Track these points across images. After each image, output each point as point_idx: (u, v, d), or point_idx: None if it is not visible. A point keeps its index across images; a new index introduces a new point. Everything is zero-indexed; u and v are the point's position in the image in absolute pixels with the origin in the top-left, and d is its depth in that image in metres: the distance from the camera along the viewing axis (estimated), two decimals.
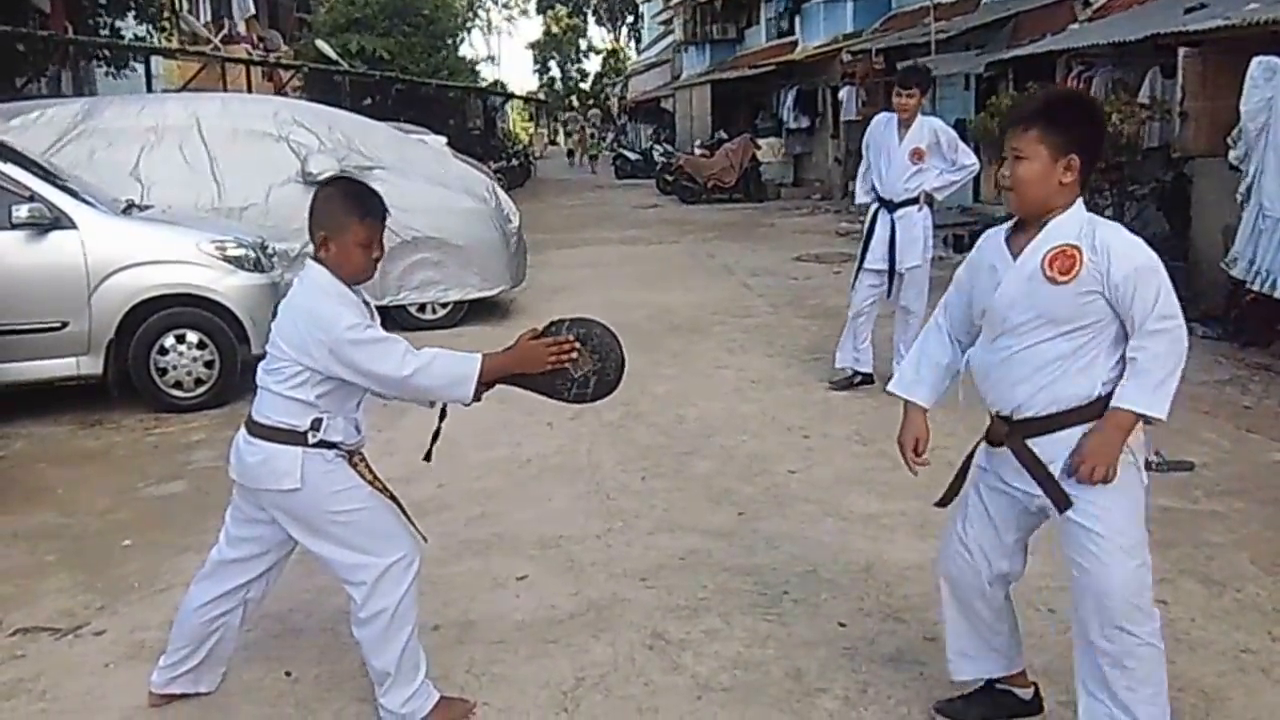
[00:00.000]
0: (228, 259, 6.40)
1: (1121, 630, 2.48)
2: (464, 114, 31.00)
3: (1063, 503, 2.49)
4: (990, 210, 14.36)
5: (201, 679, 3.06)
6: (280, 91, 19.03)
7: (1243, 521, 4.23)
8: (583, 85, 72.62)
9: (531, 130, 63.39)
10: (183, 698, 3.05)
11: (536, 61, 74.13)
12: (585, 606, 3.65)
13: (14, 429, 6.02)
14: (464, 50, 35.31)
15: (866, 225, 6.44)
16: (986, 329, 2.60)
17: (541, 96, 68.97)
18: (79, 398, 6.33)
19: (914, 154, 6.19)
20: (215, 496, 4.33)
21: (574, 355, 2.76)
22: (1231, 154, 7.20)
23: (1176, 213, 8.85)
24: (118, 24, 14.56)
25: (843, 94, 20.22)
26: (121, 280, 6.14)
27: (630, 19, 61.55)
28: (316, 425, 2.71)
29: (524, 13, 70.15)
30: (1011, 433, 2.55)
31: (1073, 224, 2.47)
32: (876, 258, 6.33)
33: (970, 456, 2.74)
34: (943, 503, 2.81)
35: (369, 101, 22.55)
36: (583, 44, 73.22)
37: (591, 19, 68.46)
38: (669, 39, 42.48)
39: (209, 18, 21.27)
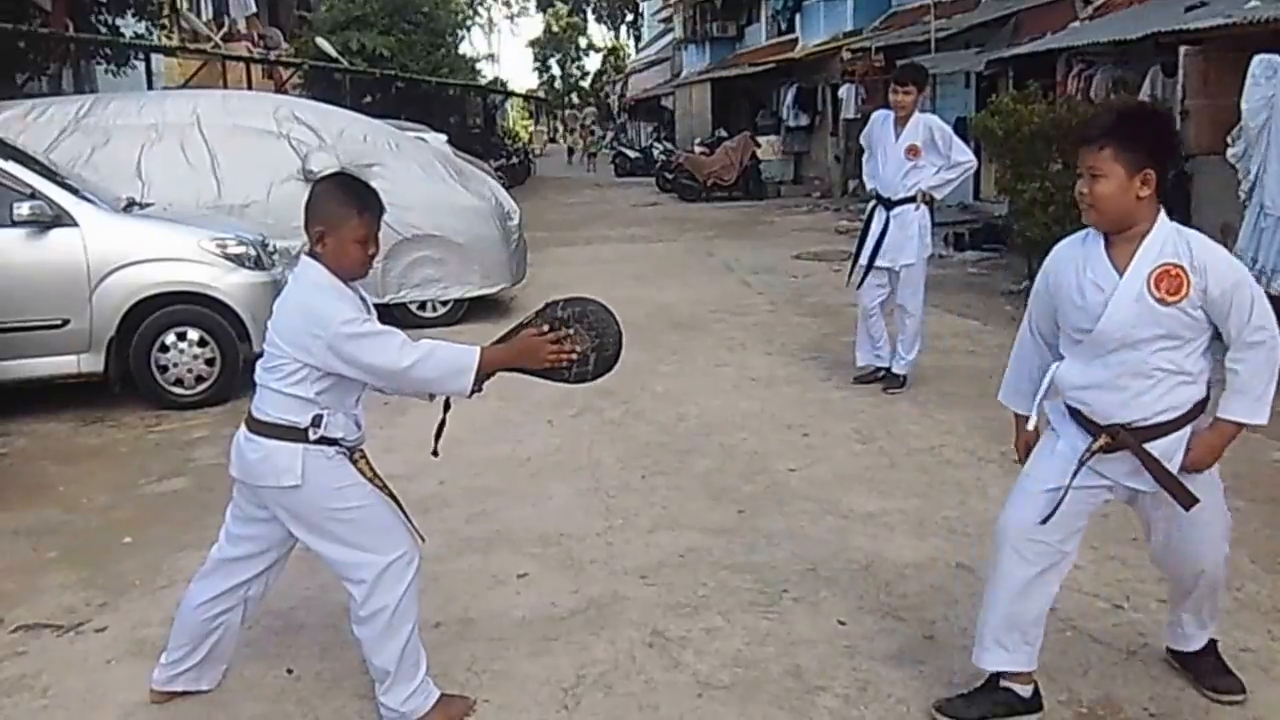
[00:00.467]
0: (228, 257, 6.41)
1: (1214, 584, 2.89)
2: (464, 112, 31.01)
3: (1189, 502, 2.65)
4: (990, 209, 14.38)
5: (203, 677, 3.06)
6: (281, 89, 19.01)
7: (1242, 520, 4.21)
8: (583, 83, 72.62)
9: (531, 128, 63.37)
10: (184, 695, 3.06)
11: (537, 59, 74.19)
12: (586, 604, 3.65)
13: (15, 426, 6.03)
14: (464, 48, 35.24)
15: (864, 224, 6.44)
16: (1091, 345, 2.65)
17: (541, 94, 68.97)
18: (80, 395, 6.34)
19: (910, 150, 6.20)
20: (216, 494, 4.34)
21: (573, 354, 2.76)
22: (1230, 152, 7.20)
23: (1176, 210, 8.75)
24: (118, 22, 14.55)
25: (843, 92, 20.23)
26: (122, 278, 6.14)
27: (630, 17, 61.50)
28: (317, 422, 2.72)
29: (524, 11, 70.12)
30: (1131, 440, 2.64)
31: (1167, 240, 2.57)
32: (866, 254, 6.33)
33: (1079, 468, 2.70)
34: (1046, 520, 2.76)
35: (369, 99, 22.52)
36: (583, 42, 73.25)
37: (591, 17, 68.45)
38: (669, 37, 42.46)
39: (210, 15, 21.24)
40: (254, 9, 22.21)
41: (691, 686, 3.11)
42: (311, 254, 2.74)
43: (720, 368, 7.11)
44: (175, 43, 17.43)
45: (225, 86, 16.18)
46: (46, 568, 4.10)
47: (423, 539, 2.94)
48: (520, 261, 9.47)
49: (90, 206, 6.23)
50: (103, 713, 3.05)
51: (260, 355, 2.80)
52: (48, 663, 3.34)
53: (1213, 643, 3.02)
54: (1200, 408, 2.66)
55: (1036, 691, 2.88)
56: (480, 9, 55.23)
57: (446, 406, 2.91)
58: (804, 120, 24.02)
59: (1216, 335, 2.63)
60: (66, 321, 6.07)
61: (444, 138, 13.78)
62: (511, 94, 48.75)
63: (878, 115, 6.53)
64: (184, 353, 6.32)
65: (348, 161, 7.94)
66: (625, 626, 3.48)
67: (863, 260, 6.37)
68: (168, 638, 3.08)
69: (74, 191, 6.29)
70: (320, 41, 22.94)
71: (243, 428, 2.81)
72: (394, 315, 8.37)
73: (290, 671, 3.23)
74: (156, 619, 3.54)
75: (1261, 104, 6.81)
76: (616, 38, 67.91)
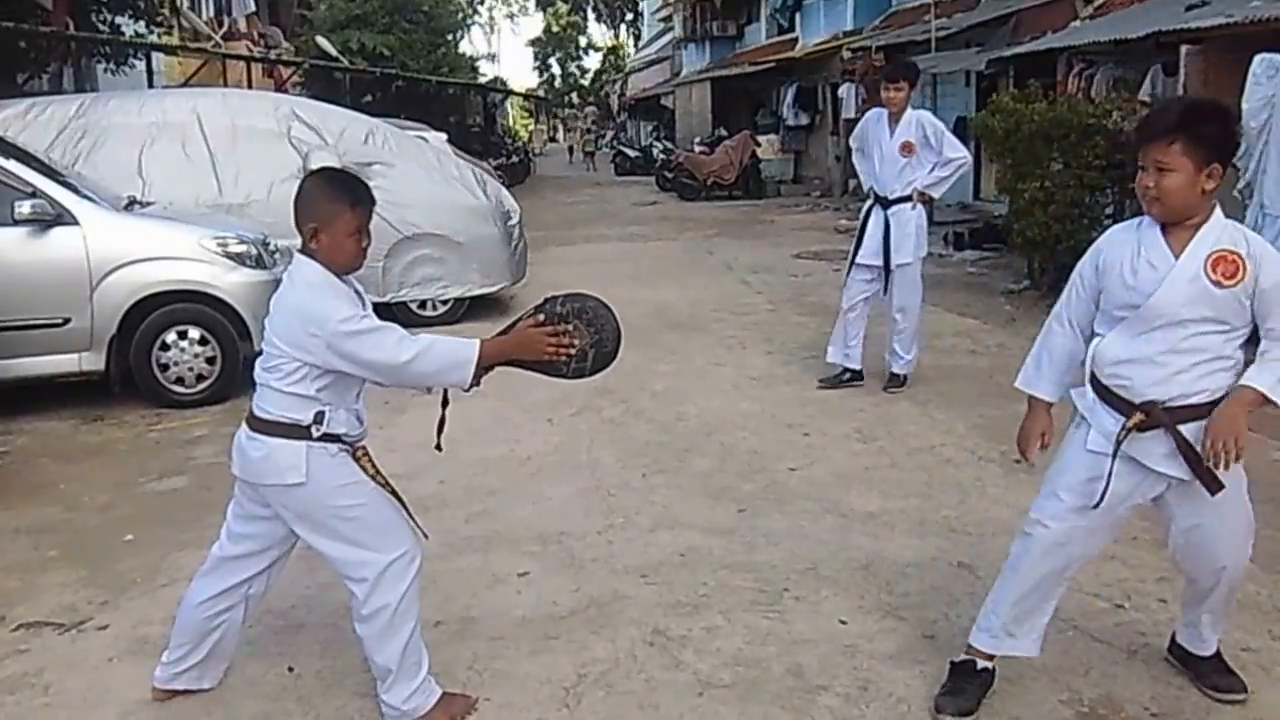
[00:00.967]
0: (229, 255, 6.41)
1: (1233, 584, 2.92)
2: (464, 111, 31.03)
3: (1215, 486, 2.66)
4: (990, 208, 14.38)
5: (204, 675, 3.06)
6: (281, 88, 19.01)
7: None
8: (583, 82, 72.60)
9: (531, 127, 63.37)
10: (185, 693, 3.06)
11: (537, 58, 74.16)
12: (586, 603, 3.65)
13: (16, 424, 6.03)
14: (464, 47, 35.33)
15: (860, 221, 6.44)
16: (1135, 322, 2.67)
17: (541, 94, 68.96)
18: (81, 394, 6.34)
19: (904, 148, 6.20)
20: (217, 492, 4.34)
21: (572, 348, 2.76)
22: None
23: None
24: (118, 21, 14.55)
25: (842, 91, 20.22)
26: (123, 276, 6.15)
27: (630, 16, 61.48)
28: (319, 418, 2.71)
29: (524, 10, 70.10)
30: (1166, 419, 2.67)
31: (1224, 230, 2.63)
32: (869, 253, 6.31)
33: (1118, 447, 2.71)
34: (1098, 505, 2.77)
35: (369, 98, 22.55)
36: (583, 41, 73.25)
37: (591, 16, 68.42)
38: (669, 36, 42.45)
39: (212, 14, 21.24)
40: (253, 8, 22.22)
41: (692, 685, 3.11)
42: (305, 251, 2.74)
43: (719, 367, 7.11)
44: (175, 41, 17.43)
45: (225, 85, 16.19)
46: (47, 566, 4.10)
47: (426, 536, 2.94)
48: (520, 261, 9.47)
49: (91, 205, 6.23)
50: (104, 711, 3.05)
51: (260, 354, 2.80)
52: (49, 661, 3.34)
53: None
54: None
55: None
56: (480, 8, 55.31)
57: (445, 403, 2.92)
58: (804, 119, 24.03)
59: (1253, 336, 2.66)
60: (67, 320, 6.07)
61: (444, 137, 13.80)
62: (511, 93, 48.77)
63: (871, 114, 6.55)
64: (185, 351, 6.32)
65: (348, 160, 7.95)
66: (626, 625, 3.48)
67: (862, 259, 6.35)
68: (169, 636, 3.08)
69: (75, 190, 6.29)
70: (320, 40, 22.96)
71: (244, 426, 2.81)
72: (394, 314, 8.35)
73: (291, 670, 3.24)
74: (157, 617, 3.55)
75: (1262, 103, 6.82)
76: (616, 37, 67.92)
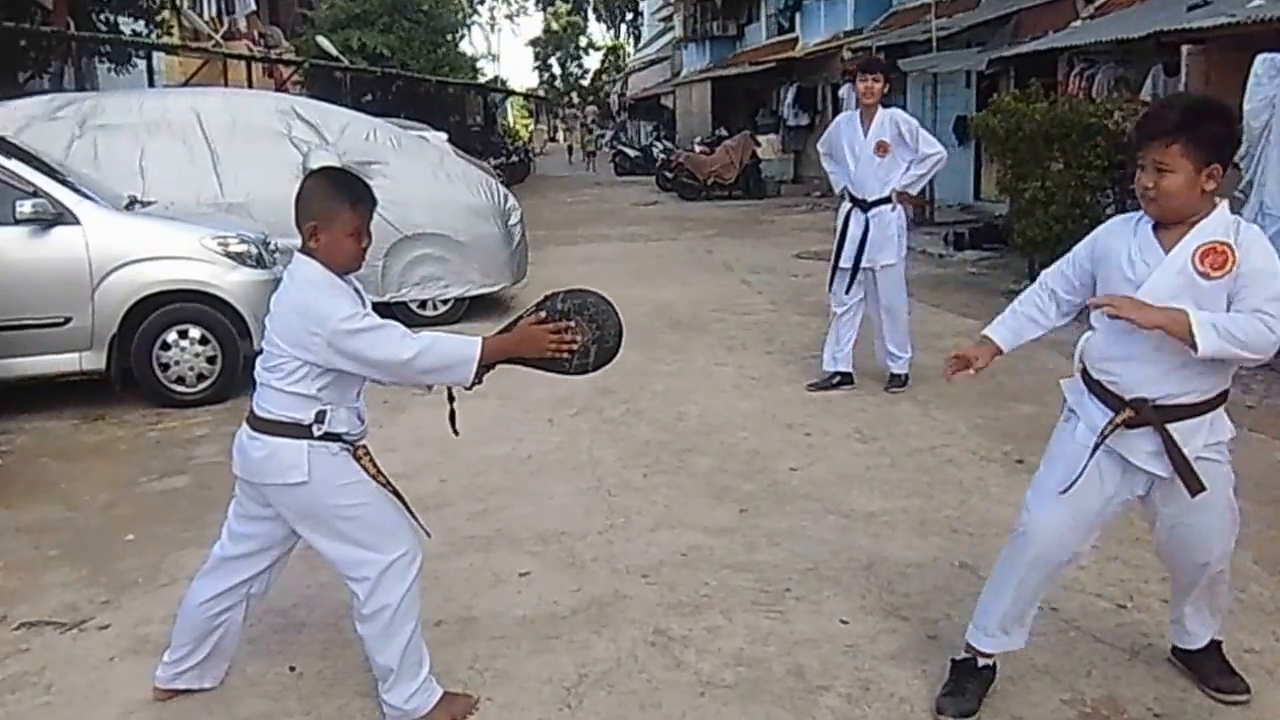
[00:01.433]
0: (230, 255, 6.41)
1: (1215, 579, 2.92)
2: (464, 110, 31.05)
3: (1196, 487, 2.64)
4: (990, 208, 14.38)
5: (205, 675, 3.06)
6: (281, 88, 19.01)
7: (1245, 522, 4.14)
8: (583, 82, 72.60)
9: (531, 127, 63.36)
10: (186, 692, 3.05)
11: (537, 58, 74.17)
12: (587, 603, 3.65)
13: (17, 424, 6.03)
14: (464, 47, 35.32)
15: (840, 225, 6.38)
16: None
17: (542, 93, 68.95)
18: (82, 393, 6.34)
19: (879, 147, 6.17)
20: (217, 492, 4.34)
21: (573, 345, 2.76)
22: None
23: None
24: (118, 20, 14.55)
25: (843, 91, 20.13)
26: (124, 276, 6.14)
27: (630, 16, 61.48)
28: (320, 417, 2.71)
29: (524, 10, 70.11)
30: (1155, 416, 2.65)
31: (1221, 223, 2.58)
32: (846, 257, 6.30)
33: (1101, 439, 2.70)
34: (1067, 491, 2.76)
35: (369, 98, 22.57)
36: (583, 41, 73.24)
37: (592, 16, 68.43)
38: (669, 36, 42.46)
39: (214, 13, 21.24)
40: (254, 7, 22.23)
41: (694, 685, 3.10)
42: (305, 250, 2.74)
43: (720, 367, 7.11)
44: (176, 41, 17.44)
45: (226, 85, 16.19)
46: (48, 565, 4.10)
47: (428, 535, 2.93)
48: (521, 260, 9.47)
49: (92, 205, 6.23)
50: (105, 710, 3.04)
51: (260, 353, 2.80)
52: (50, 660, 3.34)
53: (1216, 643, 3.03)
54: (1223, 398, 2.69)
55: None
56: (480, 8, 55.24)
57: (451, 398, 2.91)
58: (804, 119, 24.02)
59: None
60: (68, 319, 6.07)
61: (444, 136, 13.81)
62: (512, 93, 48.81)
63: (841, 117, 6.54)
64: (185, 351, 6.32)
65: (349, 160, 7.94)
66: (627, 625, 3.47)
67: (844, 263, 6.32)
68: (170, 635, 3.08)
69: (76, 189, 6.29)
70: (321, 40, 22.96)
71: (245, 426, 2.81)
72: (394, 313, 8.31)
73: (293, 669, 3.23)
74: (158, 616, 3.54)
75: (1264, 104, 6.82)
76: (616, 36, 67.90)
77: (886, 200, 6.23)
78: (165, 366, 6.31)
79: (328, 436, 2.73)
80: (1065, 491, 2.73)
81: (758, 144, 22.48)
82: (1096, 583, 3.67)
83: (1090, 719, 2.90)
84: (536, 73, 75.14)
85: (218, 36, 20.01)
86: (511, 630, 3.45)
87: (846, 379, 6.43)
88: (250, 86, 16.92)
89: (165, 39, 16.47)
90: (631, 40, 62.61)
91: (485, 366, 2.70)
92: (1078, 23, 12.58)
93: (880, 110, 6.22)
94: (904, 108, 17.88)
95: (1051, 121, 8.77)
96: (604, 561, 4.00)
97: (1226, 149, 2.61)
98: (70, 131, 7.86)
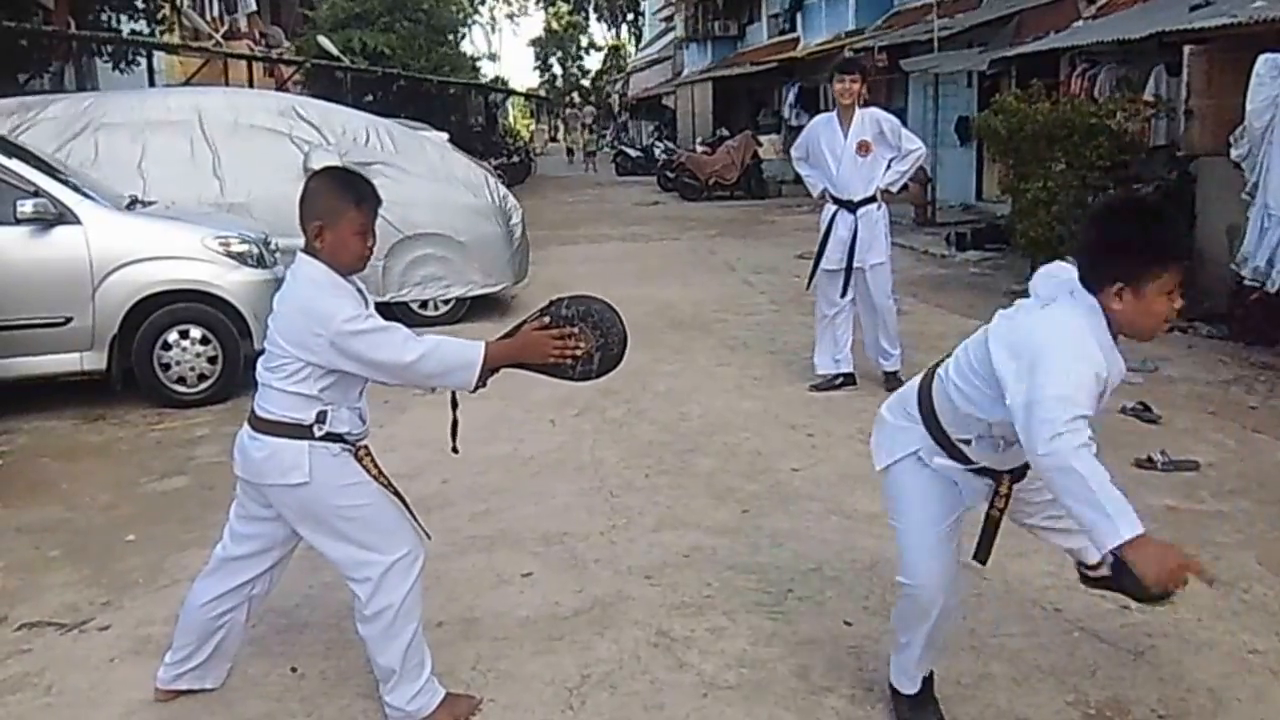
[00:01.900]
0: (231, 255, 6.40)
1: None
2: (465, 110, 31.01)
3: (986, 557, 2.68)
4: (992, 209, 14.36)
5: (207, 675, 3.05)
6: (282, 87, 19.01)
7: (1249, 521, 4.22)
8: (584, 82, 72.58)
9: (532, 127, 63.32)
10: (188, 693, 3.05)
11: (538, 58, 74.12)
12: (590, 603, 3.64)
13: (18, 424, 6.02)
14: (465, 46, 35.31)
15: (824, 226, 6.36)
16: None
17: (543, 93, 68.93)
18: (82, 393, 6.33)
19: (860, 147, 6.17)
20: (218, 492, 4.33)
21: (577, 350, 2.75)
22: (1234, 152, 7.19)
23: (1181, 211, 8.84)
24: (119, 20, 14.55)
25: None
26: (125, 276, 6.14)
27: (631, 16, 61.47)
28: (321, 418, 2.70)
29: (524, 9, 70.05)
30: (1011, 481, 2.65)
31: None
32: (835, 259, 6.28)
33: (1001, 516, 2.68)
34: (983, 559, 2.70)
35: (370, 98, 22.54)
36: (584, 40, 73.22)
37: (593, 15, 68.41)
38: (670, 36, 42.44)
39: (216, 13, 21.24)
40: (255, 7, 22.22)
41: (697, 686, 3.10)
42: (308, 250, 2.73)
43: (722, 367, 7.10)
44: (177, 40, 17.43)
45: (227, 84, 16.18)
46: (49, 566, 4.09)
47: (428, 536, 2.92)
48: (522, 260, 9.46)
49: (93, 204, 6.23)
50: (106, 711, 3.04)
51: (261, 353, 2.79)
52: (51, 661, 3.33)
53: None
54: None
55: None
56: (481, 7, 55.19)
57: (454, 404, 2.90)
58: (806, 119, 23.83)
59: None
60: (69, 319, 6.06)
61: (445, 136, 13.78)
62: (513, 92, 48.77)
63: (819, 119, 6.54)
64: (186, 351, 6.31)
65: (350, 160, 7.93)
66: (630, 626, 3.46)
67: (835, 265, 6.29)
68: (171, 636, 3.07)
69: (77, 189, 6.28)
70: (321, 40, 22.94)
71: (246, 426, 2.80)
72: (395, 314, 8.35)
73: (295, 670, 3.22)
74: (160, 617, 3.53)
75: (1266, 104, 6.79)
76: (618, 36, 67.89)
77: (872, 199, 6.23)
78: (166, 366, 6.30)
79: (329, 437, 2.72)
80: (952, 540, 2.67)
81: (759, 144, 22.46)
82: None
83: None
84: (537, 73, 75.21)
85: (218, 36, 20.01)
86: (514, 631, 3.45)
87: (849, 380, 6.42)
88: (251, 86, 16.91)
89: (166, 37, 16.46)
90: (633, 40, 62.59)
91: (488, 371, 2.69)
92: (1080, 23, 12.56)
93: (858, 110, 6.23)
94: (905, 108, 18.04)
95: (1054, 122, 8.76)
96: (606, 562, 3.99)
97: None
98: (71, 130, 7.85)
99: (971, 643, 3.29)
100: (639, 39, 58.92)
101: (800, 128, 24.95)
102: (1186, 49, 8.81)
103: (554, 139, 63.50)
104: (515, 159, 29.53)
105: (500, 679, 3.15)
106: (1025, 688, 3.02)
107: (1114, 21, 11.37)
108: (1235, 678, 3.07)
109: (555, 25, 70.63)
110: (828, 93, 22.64)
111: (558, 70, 74.36)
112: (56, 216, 6.02)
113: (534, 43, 73.59)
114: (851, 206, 6.23)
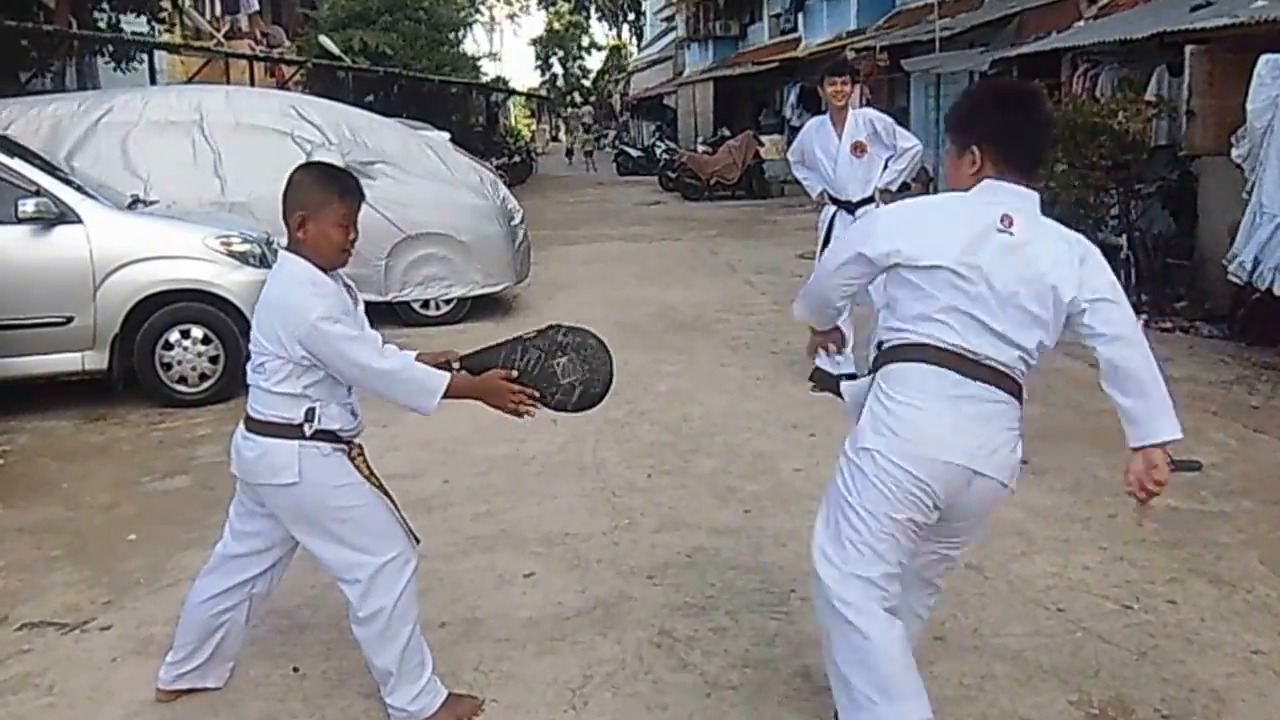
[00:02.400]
0: (233, 254, 6.39)
1: None
2: (467, 110, 31.00)
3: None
4: None
5: (208, 675, 3.05)
6: (283, 87, 19.00)
7: (1251, 521, 4.22)
8: (585, 82, 72.58)
9: (534, 127, 63.32)
10: (189, 693, 3.04)
11: (539, 58, 74.07)
12: (592, 604, 3.64)
13: (19, 423, 6.02)
14: (466, 46, 35.30)
15: (824, 229, 6.36)
16: None
17: (544, 93, 68.92)
18: (84, 392, 6.33)
19: (855, 148, 6.17)
20: (219, 491, 4.32)
21: (532, 411, 2.79)
22: (1235, 152, 7.18)
23: (1183, 211, 8.83)
24: (120, 19, 14.55)
25: None
26: (127, 275, 6.13)
27: (632, 15, 61.47)
28: (310, 415, 2.70)
29: (525, 9, 70.02)
30: None
31: None
32: None
33: None
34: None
35: (372, 97, 22.51)
36: (585, 40, 73.19)
37: (594, 15, 68.39)
38: (671, 35, 42.45)
39: (219, 13, 21.24)
40: (256, 7, 22.21)
41: (700, 687, 3.09)
42: (290, 248, 2.73)
43: (724, 367, 7.09)
44: (178, 40, 17.44)
45: (228, 84, 16.16)
46: (50, 565, 4.08)
47: (417, 540, 2.91)
48: (524, 260, 9.45)
49: (95, 204, 6.23)
50: (108, 711, 3.03)
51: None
52: (52, 661, 3.33)
53: None
54: None
55: None
56: (482, 7, 55.15)
57: None
58: (808, 119, 23.89)
59: None
60: (70, 319, 6.06)
61: (446, 136, 13.78)
62: (514, 92, 48.73)
63: (813, 122, 6.55)
64: (188, 350, 6.31)
65: (351, 159, 7.94)
66: (632, 626, 3.46)
67: None
68: (173, 636, 3.07)
69: (78, 189, 6.28)
70: (323, 39, 22.95)
71: (240, 426, 2.80)
72: (397, 313, 8.37)
73: (296, 670, 3.22)
74: (161, 617, 3.53)
75: (1267, 104, 6.79)
76: (619, 36, 67.89)
77: (870, 200, 6.22)
78: (168, 366, 6.30)
79: (320, 435, 2.71)
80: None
81: (761, 144, 22.45)
82: (1102, 584, 3.65)
83: None
84: (538, 72, 75.17)
85: (219, 36, 20.01)
86: (516, 631, 3.44)
87: (851, 380, 6.40)
88: (253, 86, 16.90)
89: (167, 37, 16.47)
90: (634, 40, 62.60)
91: (449, 397, 2.72)
92: (1081, 23, 12.54)
93: (852, 111, 6.23)
94: (907, 108, 18.02)
95: (1055, 122, 8.74)
96: (609, 563, 3.98)
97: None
98: (73, 129, 7.85)
99: (974, 643, 3.28)
100: (640, 39, 58.94)
101: (801, 127, 24.89)
102: (1188, 49, 8.81)
103: (555, 139, 63.54)
104: (516, 159, 29.54)
105: (503, 679, 3.15)
106: (1028, 688, 3.02)
107: (1115, 22, 11.36)
108: (1239, 678, 3.07)
109: (556, 25, 70.60)
110: None
111: (558, 70, 74.34)
112: (58, 216, 6.02)
113: (535, 42, 73.57)
114: (850, 207, 6.23)
